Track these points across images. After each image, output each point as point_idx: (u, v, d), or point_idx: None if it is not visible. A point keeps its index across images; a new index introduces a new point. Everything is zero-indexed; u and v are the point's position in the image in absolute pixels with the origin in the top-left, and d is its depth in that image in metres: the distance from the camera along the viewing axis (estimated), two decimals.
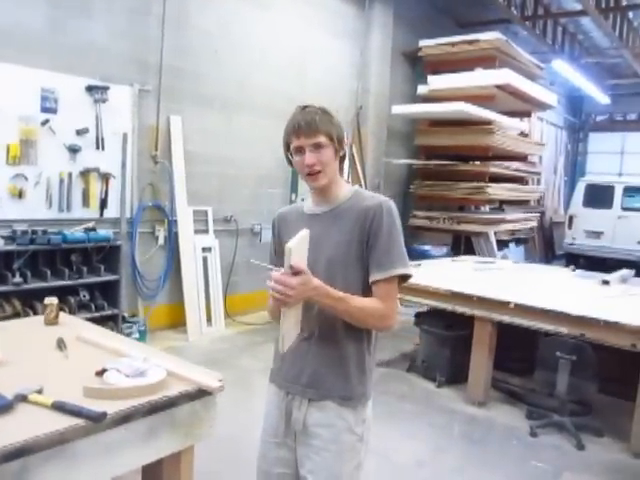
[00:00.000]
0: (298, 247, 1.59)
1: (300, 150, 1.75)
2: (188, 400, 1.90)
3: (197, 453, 2.07)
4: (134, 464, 1.84)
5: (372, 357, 1.86)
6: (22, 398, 1.72)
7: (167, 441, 1.87)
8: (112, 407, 1.71)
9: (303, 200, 2.00)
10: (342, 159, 1.83)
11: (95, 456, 1.68)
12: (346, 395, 1.78)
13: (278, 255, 1.83)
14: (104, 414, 1.65)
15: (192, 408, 1.91)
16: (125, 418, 1.73)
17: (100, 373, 1.90)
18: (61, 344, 2.26)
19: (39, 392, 1.77)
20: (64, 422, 1.61)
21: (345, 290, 1.71)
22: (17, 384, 1.76)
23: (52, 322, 2.62)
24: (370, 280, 1.75)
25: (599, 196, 11.43)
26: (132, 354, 2.05)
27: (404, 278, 1.78)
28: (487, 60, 8.24)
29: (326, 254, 1.77)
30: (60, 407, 1.68)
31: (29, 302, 4.58)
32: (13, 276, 4.46)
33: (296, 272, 1.57)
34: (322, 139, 1.74)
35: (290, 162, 1.84)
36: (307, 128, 1.73)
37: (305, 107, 1.80)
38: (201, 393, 1.92)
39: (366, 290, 1.76)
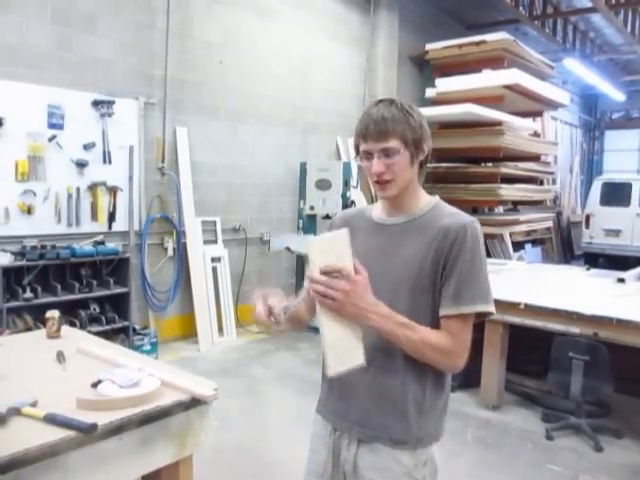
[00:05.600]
0: (328, 245, 1.35)
1: (368, 155, 1.49)
2: (182, 409, 1.87)
3: (203, 462, 2.05)
4: (130, 475, 1.82)
5: (439, 397, 1.56)
6: (15, 411, 1.72)
7: (162, 451, 1.85)
8: (105, 418, 1.69)
9: (368, 204, 1.72)
10: (422, 164, 1.54)
11: (89, 468, 1.67)
12: (399, 439, 1.51)
13: None
14: (95, 425, 1.64)
15: (186, 417, 1.89)
16: (118, 429, 1.71)
17: (95, 385, 1.89)
18: (60, 357, 2.26)
19: (33, 405, 1.76)
20: (56, 434, 1.60)
21: (411, 320, 1.45)
22: (13, 397, 1.76)
23: (54, 335, 2.61)
24: (441, 313, 1.47)
25: (616, 194, 11.30)
26: (127, 364, 2.05)
27: (480, 314, 1.49)
28: (495, 61, 8.18)
29: (393, 273, 1.50)
30: (52, 419, 1.67)
31: (40, 317, 4.59)
32: (24, 291, 4.50)
33: (324, 274, 1.33)
34: (393, 144, 1.45)
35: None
36: (375, 130, 1.44)
37: (379, 101, 1.50)
38: (195, 402, 1.90)
39: (437, 323, 1.49)
